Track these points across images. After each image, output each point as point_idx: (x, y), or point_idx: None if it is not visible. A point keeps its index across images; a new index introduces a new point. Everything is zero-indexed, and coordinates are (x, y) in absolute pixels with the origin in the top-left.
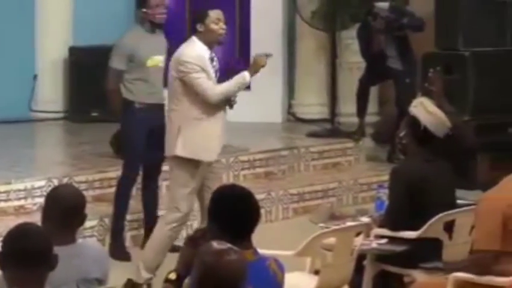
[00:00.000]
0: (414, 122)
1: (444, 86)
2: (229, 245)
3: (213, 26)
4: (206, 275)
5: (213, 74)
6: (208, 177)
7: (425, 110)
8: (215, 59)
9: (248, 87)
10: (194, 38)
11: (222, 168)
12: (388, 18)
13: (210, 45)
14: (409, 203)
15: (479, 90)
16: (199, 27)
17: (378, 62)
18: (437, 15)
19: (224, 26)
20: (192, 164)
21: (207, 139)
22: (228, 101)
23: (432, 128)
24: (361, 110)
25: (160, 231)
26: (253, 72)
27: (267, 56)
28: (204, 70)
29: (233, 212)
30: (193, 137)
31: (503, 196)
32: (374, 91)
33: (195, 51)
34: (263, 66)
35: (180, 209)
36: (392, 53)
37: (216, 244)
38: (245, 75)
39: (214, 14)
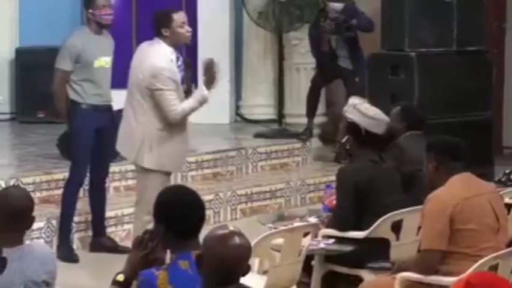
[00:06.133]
0: (355, 127)
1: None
2: (231, 228)
3: (179, 30)
4: (212, 261)
5: (179, 79)
6: None
7: (362, 114)
8: (180, 58)
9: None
10: (159, 40)
11: None
12: (337, 20)
13: (175, 46)
14: (356, 203)
15: (425, 90)
16: (165, 32)
17: (329, 61)
18: (383, 16)
19: (189, 29)
20: (161, 173)
21: (172, 151)
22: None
23: (373, 130)
24: (311, 111)
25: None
26: (210, 87)
27: (213, 63)
28: (174, 82)
29: (177, 213)
30: (160, 149)
31: (450, 196)
32: (321, 92)
33: (164, 58)
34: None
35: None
36: (343, 53)
37: (218, 230)
38: (204, 94)
39: (179, 18)
